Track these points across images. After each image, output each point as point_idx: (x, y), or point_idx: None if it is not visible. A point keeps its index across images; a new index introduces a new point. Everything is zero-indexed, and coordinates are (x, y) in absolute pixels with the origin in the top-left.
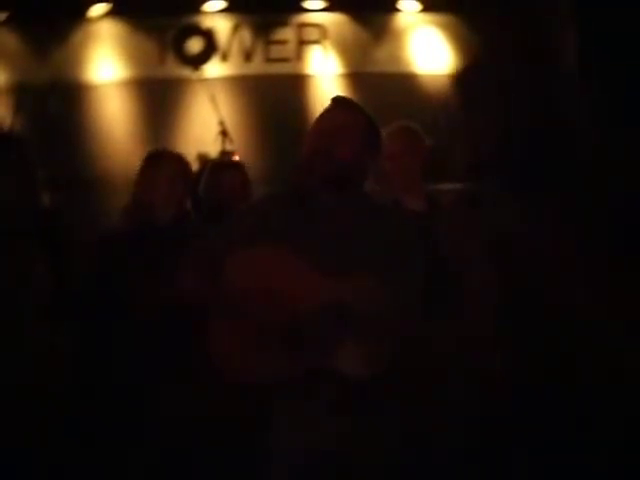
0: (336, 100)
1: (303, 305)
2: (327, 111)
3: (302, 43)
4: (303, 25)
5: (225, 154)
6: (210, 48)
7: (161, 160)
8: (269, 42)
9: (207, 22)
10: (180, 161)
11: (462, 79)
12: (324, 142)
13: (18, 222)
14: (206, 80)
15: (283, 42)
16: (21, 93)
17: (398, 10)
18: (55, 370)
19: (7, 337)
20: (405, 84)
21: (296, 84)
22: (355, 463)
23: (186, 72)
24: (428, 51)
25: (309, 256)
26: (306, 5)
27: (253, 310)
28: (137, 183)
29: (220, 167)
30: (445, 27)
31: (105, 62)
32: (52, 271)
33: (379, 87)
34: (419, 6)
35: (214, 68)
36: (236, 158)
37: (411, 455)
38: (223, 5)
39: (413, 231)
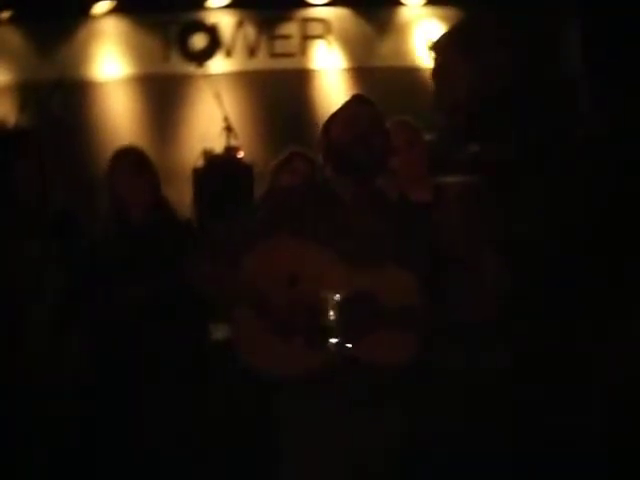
0: (358, 97)
1: (329, 294)
2: (353, 104)
3: (306, 38)
4: (307, 20)
5: (230, 149)
6: (214, 44)
7: (118, 157)
8: (273, 37)
9: (211, 18)
10: (137, 155)
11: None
12: (362, 128)
13: (32, 222)
14: (210, 76)
15: (287, 37)
16: (26, 91)
17: (402, 4)
18: (67, 370)
19: (21, 337)
20: (409, 78)
21: (300, 79)
22: (370, 460)
23: (190, 68)
24: None
25: (334, 247)
26: (310, 0)
27: (276, 299)
28: (107, 184)
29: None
30: (449, 20)
31: (109, 59)
32: (66, 271)
33: (383, 81)
34: (423, 0)
35: (218, 64)
36: (241, 154)
37: (424, 452)
38: (227, 1)
39: (424, 226)
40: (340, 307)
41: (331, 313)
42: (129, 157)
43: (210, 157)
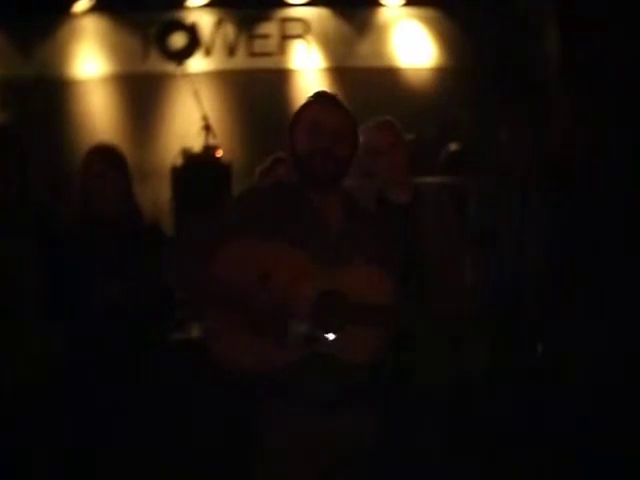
0: (321, 95)
1: (298, 293)
2: (317, 107)
3: (285, 37)
4: (286, 20)
5: (208, 148)
6: (193, 43)
7: (91, 156)
8: (252, 37)
9: (190, 17)
10: (111, 154)
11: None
12: (324, 141)
13: (13, 221)
14: (189, 75)
15: (266, 37)
16: (5, 89)
17: (381, 4)
18: (50, 368)
19: (4, 337)
20: (388, 78)
21: (279, 78)
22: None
23: (169, 67)
24: (411, 45)
25: (304, 248)
26: (289, 0)
27: (246, 298)
28: (79, 181)
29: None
30: (428, 21)
31: (89, 57)
32: (48, 269)
33: (362, 81)
34: (402, 0)
35: (197, 63)
36: (219, 153)
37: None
38: (206, 0)
39: (392, 227)
40: (310, 305)
41: (301, 311)
42: (101, 153)
43: (189, 156)
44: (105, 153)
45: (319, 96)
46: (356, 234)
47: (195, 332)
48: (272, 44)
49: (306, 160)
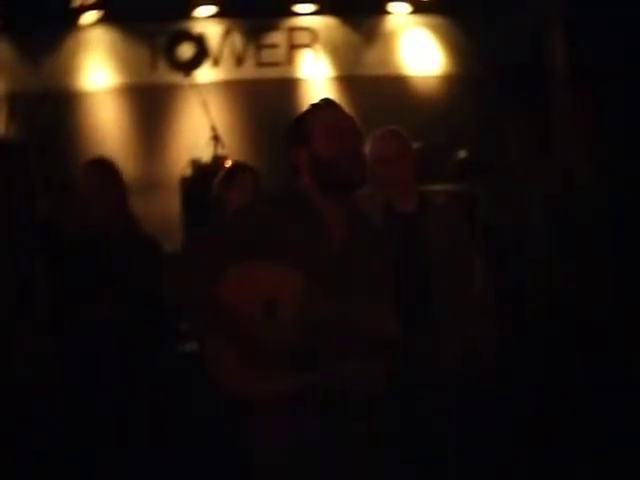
0: (329, 101)
1: (304, 321)
2: (331, 111)
3: (293, 47)
4: (294, 29)
5: (217, 159)
6: (201, 53)
7: (87, 169)
8: (260, 46)
9: (198, 27)
10: (107, 167)
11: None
12: (351, 143)
13: (17, 233)
14: (198, 85)
15: (274, 46)
16: (14, 101)
17: (388, 12)
18: (51, 377)
19: (7, 348)
20: (396, 86)
21: (287, 88)
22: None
23: (178, 78)
24: (419, 53)
25: (310, 270)
26: (296, 9)
27: (251, 326)
28: (76, 195)
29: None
30: (435, 29)
31: (97, 69)
32: (51, 282)
33: (370, 90)
34: (409, 8)
35: (205, 73)
36: (228, 163)
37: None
38: (214, 10)
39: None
40: (317, 335)
41: (308, 342)
42: (94, 167)
43: (198, 166)
44: (98, 167)
45: (327, 102)
46: (358, 253)
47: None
48: (280, 54)
49: (333, 165)
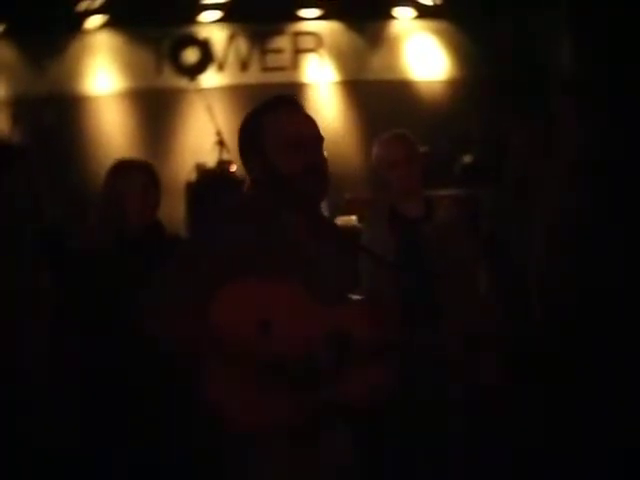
0: (283, 101)
1: (304, 338)
2: (285, 117)
3: (298, 52)
4: (299, 34)
5: (222, 163)
6: (206, 58)
7: (131, 170)
8: (265, 51)
9: (203, 32)
10: (149, 170)
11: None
12: (312, 155)
13: (20, 237)
14: (203, 90)
15: (279, 51)
16: (18, 106)
17: (393, 17)
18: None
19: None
20: (401, 91)
21: (293, 93)
22: None
23: (183, 82)
24: (423, 58)
25: (300, 284)
26: (301, 14)
27: (248, 348)
28: (106, 195)
29: None
30: (440, 33)
31: (102, 73)
32: (54, 286)
33: (375, 94)
34: (414, 13)
35: (210, 78)
36: (233, 167)
37: None
38: (219, 15)
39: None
40: (319, 350)
41: (309, 357)
42: (141, 172)
43: (203, 171)
44: (144, 168)
45: (281, 100)
46: (343, 263)
47: None
48: (285, 58)
49: (296, 180)
